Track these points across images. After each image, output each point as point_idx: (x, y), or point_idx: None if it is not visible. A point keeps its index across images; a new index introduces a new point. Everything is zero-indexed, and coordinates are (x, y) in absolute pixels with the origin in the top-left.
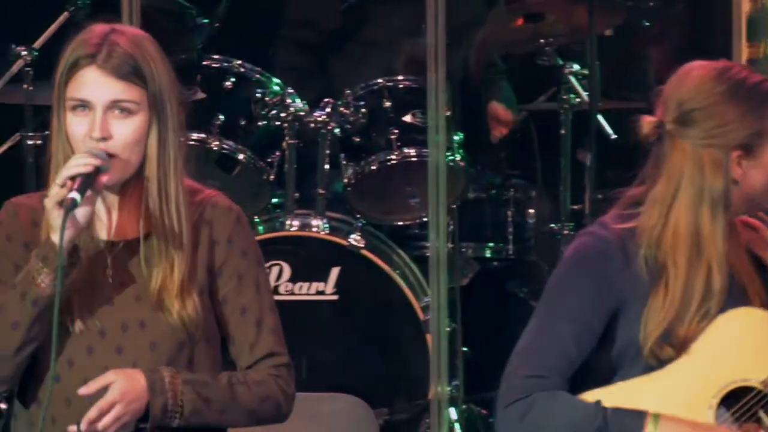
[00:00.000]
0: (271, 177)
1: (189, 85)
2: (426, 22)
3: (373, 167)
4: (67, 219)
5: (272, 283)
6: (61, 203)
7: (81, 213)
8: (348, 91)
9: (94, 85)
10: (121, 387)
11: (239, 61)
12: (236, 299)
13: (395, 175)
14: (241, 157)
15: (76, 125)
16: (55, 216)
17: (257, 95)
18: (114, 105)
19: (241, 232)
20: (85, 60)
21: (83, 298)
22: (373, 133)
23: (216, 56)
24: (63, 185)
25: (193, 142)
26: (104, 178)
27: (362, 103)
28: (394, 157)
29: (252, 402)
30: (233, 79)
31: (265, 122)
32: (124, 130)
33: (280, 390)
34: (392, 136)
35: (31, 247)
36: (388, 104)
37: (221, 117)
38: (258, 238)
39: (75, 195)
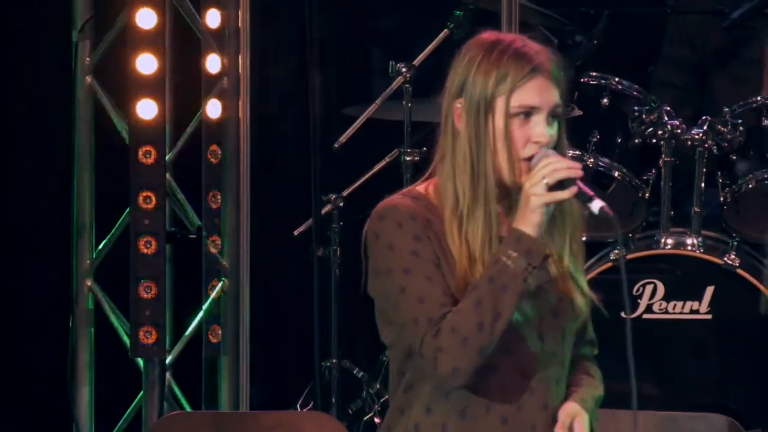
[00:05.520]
0: (647, 195)
1: (566, 102)
2: None
3: (750, 186)
4: (545, 215)
5: (645, 301)
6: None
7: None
8: (726, 109)
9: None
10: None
11: (617, 79)
12: None
13: None
14: (616, 174)
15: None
16: (540, 212)
17: (634, 112)
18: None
19: None
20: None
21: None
22: (751, 151)
23: (594, 73)
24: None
25: None
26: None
27: (740, 120)
28: None
29: None
30: (610, 97)
31: (642, 139)
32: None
33: None
34: None
35: (420, 238)
36: (767, 122)
37: (597, 134)
38: (631, 256)
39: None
